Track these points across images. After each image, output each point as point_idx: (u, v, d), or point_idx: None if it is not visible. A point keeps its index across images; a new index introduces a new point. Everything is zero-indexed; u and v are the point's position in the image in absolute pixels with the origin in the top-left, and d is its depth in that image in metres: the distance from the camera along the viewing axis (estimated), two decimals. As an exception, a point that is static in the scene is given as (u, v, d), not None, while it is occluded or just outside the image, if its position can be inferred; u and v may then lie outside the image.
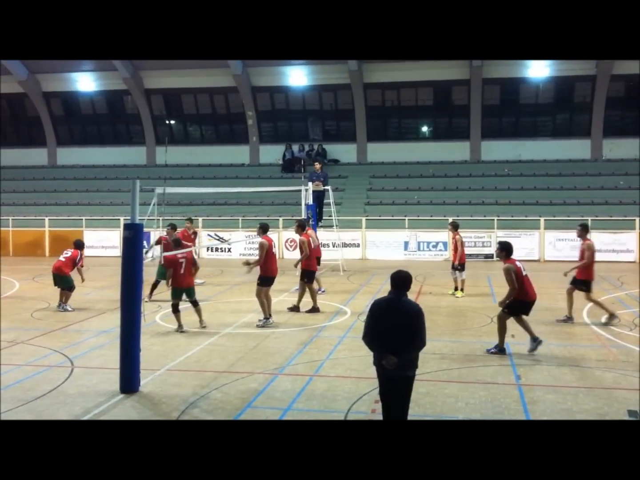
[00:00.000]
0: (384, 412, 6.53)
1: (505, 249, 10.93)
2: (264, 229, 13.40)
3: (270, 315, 13.12)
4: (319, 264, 17.31)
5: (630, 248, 24.96)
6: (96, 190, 31.75)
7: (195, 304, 12.93)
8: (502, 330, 10.81)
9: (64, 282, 14.84)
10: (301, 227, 15.07)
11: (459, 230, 17.08)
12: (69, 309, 14.75)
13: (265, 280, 13.16)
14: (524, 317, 10.97)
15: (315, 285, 16.75)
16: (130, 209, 9.02)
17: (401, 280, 6.47)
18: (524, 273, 10.86)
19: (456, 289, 16.70)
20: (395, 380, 6.28)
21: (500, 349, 10.77)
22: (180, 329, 12.55)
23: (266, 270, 13.15)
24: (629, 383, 9.10)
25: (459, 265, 16.43)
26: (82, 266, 15.38)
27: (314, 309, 14.49)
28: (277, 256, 14.85)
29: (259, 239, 13.35)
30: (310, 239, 15.31)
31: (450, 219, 18.67)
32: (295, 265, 15.20)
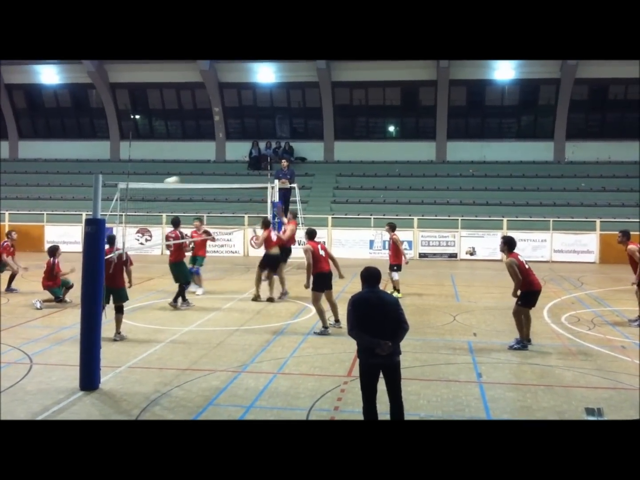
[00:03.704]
0: (366, 402, 6.78)
1: (507, 243, 11.20)
2: (310, 235, 13.09)
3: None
4: (285, 260, 17.20)
5: (590, 249, 25.40)
6: (58, 185, 31.22)
7: (118, 310, 11.54)
8: (521, 324, 11.01)
9: (53, 294, 14.63)
10: (265, 224, 15.96)
11: (395, 231, 16.64)
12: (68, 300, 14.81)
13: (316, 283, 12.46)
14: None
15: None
16: (92, 204, 8.89)
17: (373, 275, 6.90)
18: (527, 266, 11.09)
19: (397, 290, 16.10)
20: (387, 368, 6.70)
21: (523, 345, 10.91)
22: (116, 334, 11.51)
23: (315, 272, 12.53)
24: (587, 381, 9.25)
25: (394, 266, 16.23)
26: (59, 271, 14.86)
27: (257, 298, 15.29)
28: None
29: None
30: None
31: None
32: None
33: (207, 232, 17.48)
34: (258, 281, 15.61)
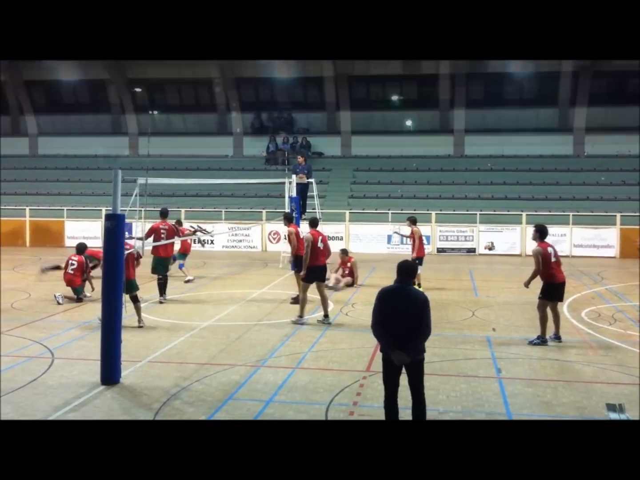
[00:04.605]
0: (387, 396, 6.73)
1: (540, 231, 11.34)
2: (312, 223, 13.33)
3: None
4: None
5: (610, 243, 25.18)
6: (78, 181, 31.47)
7: (134, 300, 12.05)
8: (543, 319, 10.93)
9: (75, 293, 14.60)
10: (287, 219, 15.16)
11: (417, 224, 16.66)
12: (88, 294, 14.74)
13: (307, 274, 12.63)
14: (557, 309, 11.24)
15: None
16: (112, 200, 8.95)
17: (407, 269, 6.78)
18: (553, 259, 11.05)
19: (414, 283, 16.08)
20: (409, 365, 6.58)
21: (542, 340, 10.88)
22: (139, 321, 12.08)
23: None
24: (607, 377, 9.19)
25: (416, 260, 15.78)
26: (89, 273, 14.89)
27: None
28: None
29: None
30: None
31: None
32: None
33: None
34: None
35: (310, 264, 12.43)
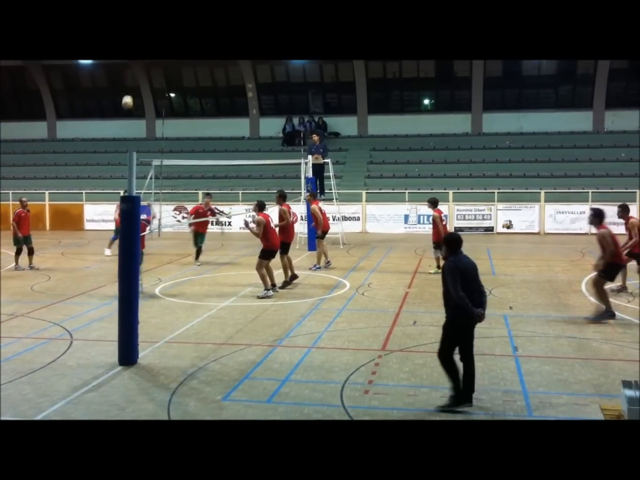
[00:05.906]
0: (449, 355, 7.41)
1: (598, 216, 11.47)
2: (260, 207, 13.45)
3: (274, 285, 13.37)
4: (322, 237, 17.03)
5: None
6: (96, 164, 31.67)
7: None
8: (603, 295, 11.10)
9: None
10: (281, 197, 14.86)
11: (437, 207, 16.14)
12: None
13: (266, 254, 13.26)
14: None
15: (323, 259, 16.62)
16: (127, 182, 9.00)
17: (455, 241, 7.52)
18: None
19: (438, 267, 15.22)
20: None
21: (610, 314, 10.95)
22: None
23: (267, 244, 13.30)
24: (625, 354, 9.13)
25: (436, 244, 15.48)
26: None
27: (286, 283, 14.19)
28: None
29: (257, 216, 13.44)
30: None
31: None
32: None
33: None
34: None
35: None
